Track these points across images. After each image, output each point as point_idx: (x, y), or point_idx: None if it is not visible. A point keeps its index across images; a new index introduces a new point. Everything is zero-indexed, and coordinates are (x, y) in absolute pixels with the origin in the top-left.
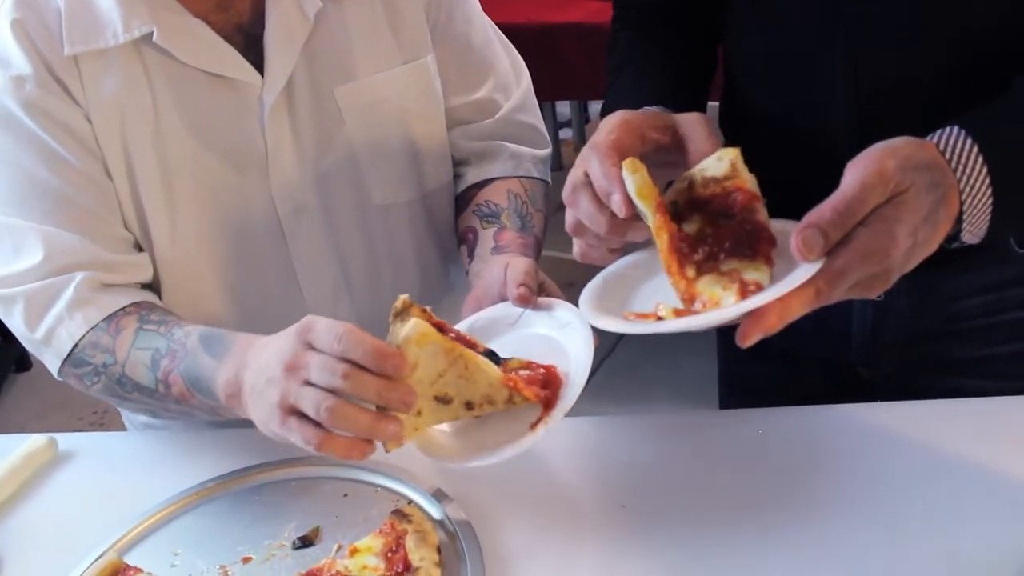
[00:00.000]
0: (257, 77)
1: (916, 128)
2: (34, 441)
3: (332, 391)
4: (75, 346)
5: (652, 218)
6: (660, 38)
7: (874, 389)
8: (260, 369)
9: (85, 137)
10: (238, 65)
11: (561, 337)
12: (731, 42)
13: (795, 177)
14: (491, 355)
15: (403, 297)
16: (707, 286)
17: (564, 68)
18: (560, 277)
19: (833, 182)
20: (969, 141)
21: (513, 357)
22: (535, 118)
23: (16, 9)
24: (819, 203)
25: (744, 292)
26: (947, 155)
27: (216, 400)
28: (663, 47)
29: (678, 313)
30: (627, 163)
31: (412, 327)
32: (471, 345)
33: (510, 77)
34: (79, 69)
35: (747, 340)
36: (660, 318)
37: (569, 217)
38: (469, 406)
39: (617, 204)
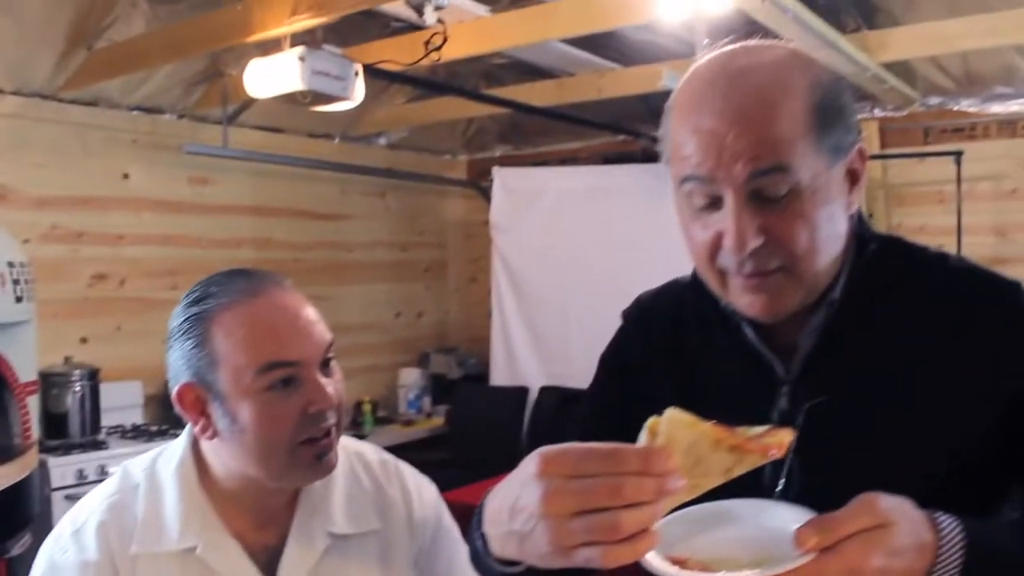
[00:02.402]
0: None
1: None
2: None
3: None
4: None
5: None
6: None
7: None
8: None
9: None
10: None
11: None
12: None
13: None
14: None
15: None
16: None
17: None
18: None
19: None
20: (961, 539)
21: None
22: None
23: (107, 512)
24: None
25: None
26: (941, 537)
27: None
28: None
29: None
30: (649, 425)
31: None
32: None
33: None
34: (135, 565)
35: None
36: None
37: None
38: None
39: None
